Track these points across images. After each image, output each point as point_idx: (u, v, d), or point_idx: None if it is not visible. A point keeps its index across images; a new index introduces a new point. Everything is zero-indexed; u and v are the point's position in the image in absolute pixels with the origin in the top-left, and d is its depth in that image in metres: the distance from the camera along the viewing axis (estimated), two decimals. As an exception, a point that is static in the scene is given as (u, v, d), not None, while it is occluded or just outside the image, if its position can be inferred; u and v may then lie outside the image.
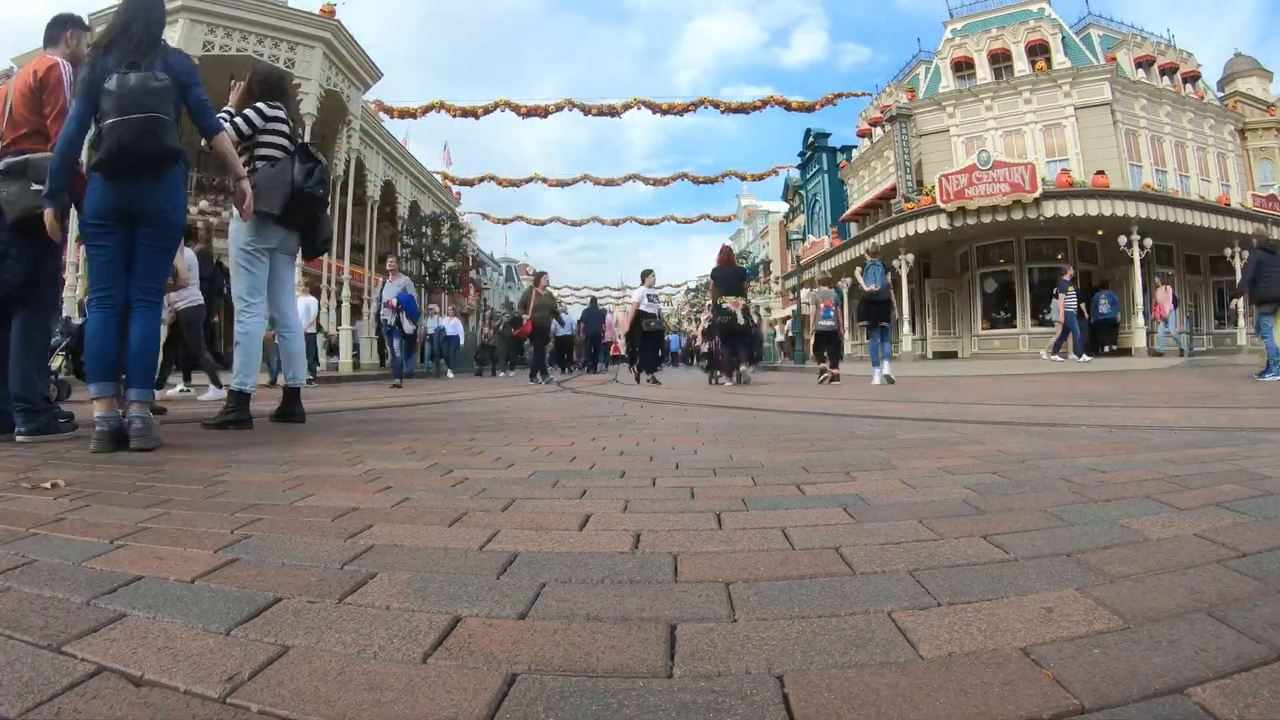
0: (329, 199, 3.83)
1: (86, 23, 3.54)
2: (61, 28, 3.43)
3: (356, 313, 20.12)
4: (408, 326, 9.98)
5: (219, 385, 6.59)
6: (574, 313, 22.14)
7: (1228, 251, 19.30)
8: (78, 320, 6.26)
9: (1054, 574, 1.04)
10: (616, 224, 37.41)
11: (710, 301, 10.31)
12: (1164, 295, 14.94)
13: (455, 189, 30.50)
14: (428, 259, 24.31)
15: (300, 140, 3.77)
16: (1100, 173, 18.15)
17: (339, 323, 17.95)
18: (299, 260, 3.87)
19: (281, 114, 3.76)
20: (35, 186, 3.01)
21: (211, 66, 15.37)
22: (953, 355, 20.77)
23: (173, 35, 14.87)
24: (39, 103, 3.17)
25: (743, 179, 34.62)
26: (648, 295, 10.86)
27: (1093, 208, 17.29)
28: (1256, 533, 1.23)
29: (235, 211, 3.61)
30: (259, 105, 3.70)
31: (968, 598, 0.95)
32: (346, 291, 18.99)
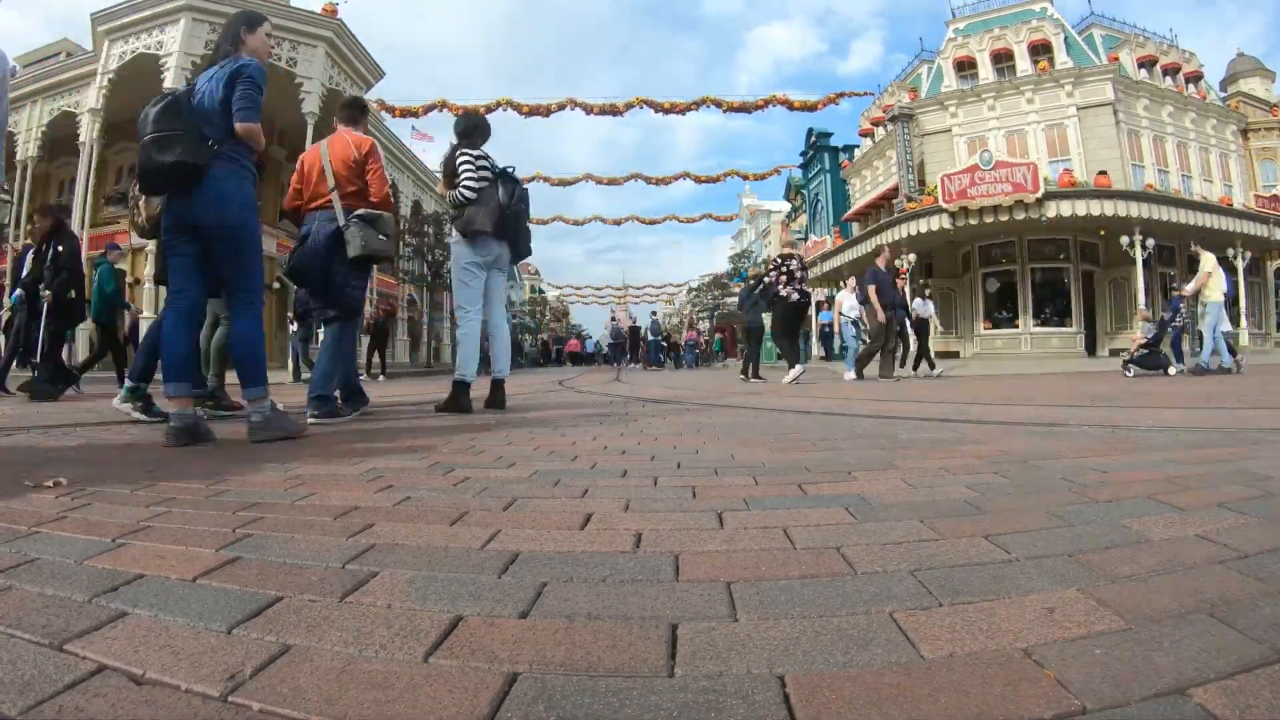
0: (529, 214, 4.72)
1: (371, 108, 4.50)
2: (363, 111, 4.49)
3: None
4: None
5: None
6: (579, 313, 22.37)
7: (1230, 252, 19.28)
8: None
9: (1056, 574, 1.04)
10: (619, 223, 37.40)
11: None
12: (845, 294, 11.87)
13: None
14: (429, 258, 24.33)
15: (499, 168, 4.50)
16: (1102, 173, 18.15)
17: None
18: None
19: (484, 151, 4.49)
20: (381, 236, 3.96)
21: (213, 65, 15.41)
22: (954, 355, 20.75)
23: (175, 34, 14.91)
24: (362, 170, 4.13)
25: (745, 179, 34.60)
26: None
27: (1095, 208, 17.29)
28: (1259, 533, 1.23)
29: (456, 234, 4.43)
30: (468, 152, 4.40)
31: (969, 598, 0.95)
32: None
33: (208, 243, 2.96)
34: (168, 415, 3.01)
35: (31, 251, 7.31)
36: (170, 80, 14.50)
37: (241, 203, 2.96)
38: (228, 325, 3.50)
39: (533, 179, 30.31)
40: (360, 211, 3.94)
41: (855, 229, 25.65)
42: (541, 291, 60.09)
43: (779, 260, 9.14)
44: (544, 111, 24.85)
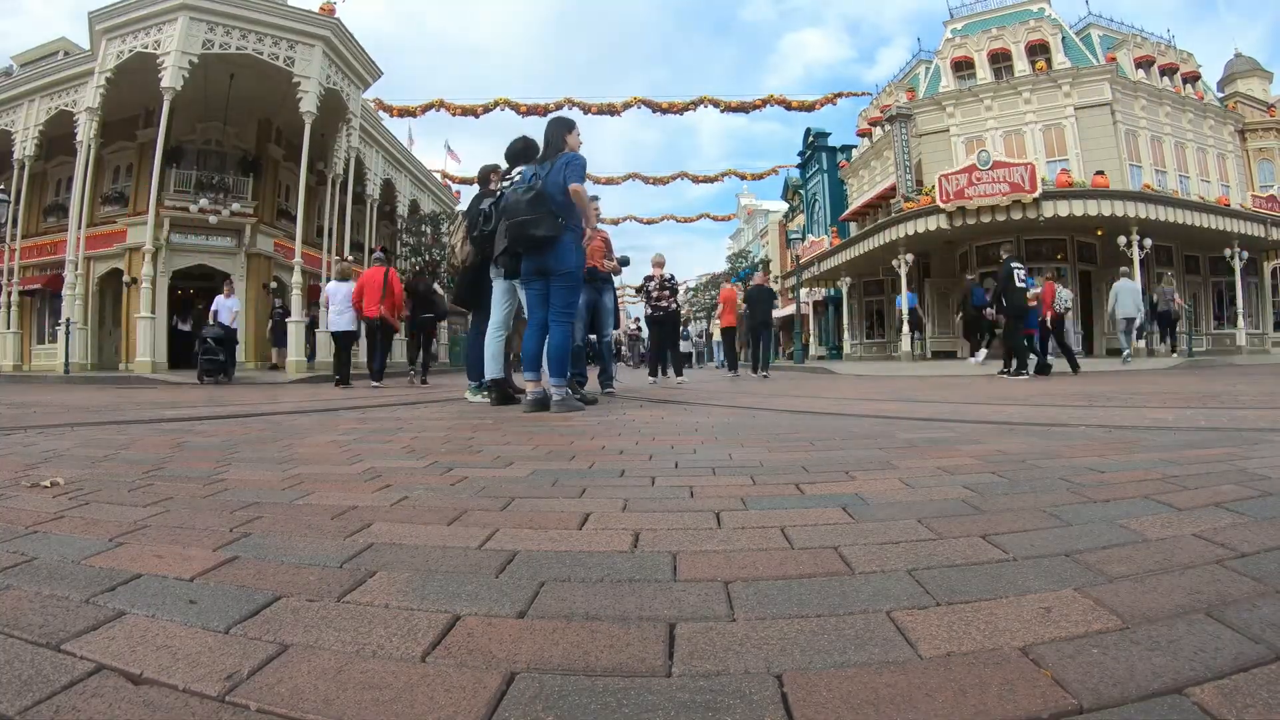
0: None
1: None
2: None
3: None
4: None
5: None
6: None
7: (1227, 252, 19.32)
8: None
9: (1053, 574, 1.04)
10: (616, 223, 37.21)
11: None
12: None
13: (455, 188, 30.50)
14: (426, 258, 24.31)
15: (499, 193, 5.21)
16: (1100, 173, 18.15)
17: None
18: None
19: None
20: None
21: (212, 65, 15.37)
22: (952, 355, 20.77)
23: (172, 33, 14.86)
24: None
25: (743, 178, 34.59)
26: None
27: (1092, 208, 17.29)
28: (1255, 533, 1.23)
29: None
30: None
31: (967, 597, 0.95)
32: (346, 290, 18.86)
33: (550, 280, 4.36)
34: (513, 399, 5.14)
35: None
36: (168, 80, 14.44)
37: (578, 259, 4.43)
38: (530, 334, 4.59)
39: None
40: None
41: (853, 229, 25.66)
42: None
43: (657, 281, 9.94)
44: (541, 111, 24.81)
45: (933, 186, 18.65)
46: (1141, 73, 21.97)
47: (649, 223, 40.65)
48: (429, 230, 24.30)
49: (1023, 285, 9.69)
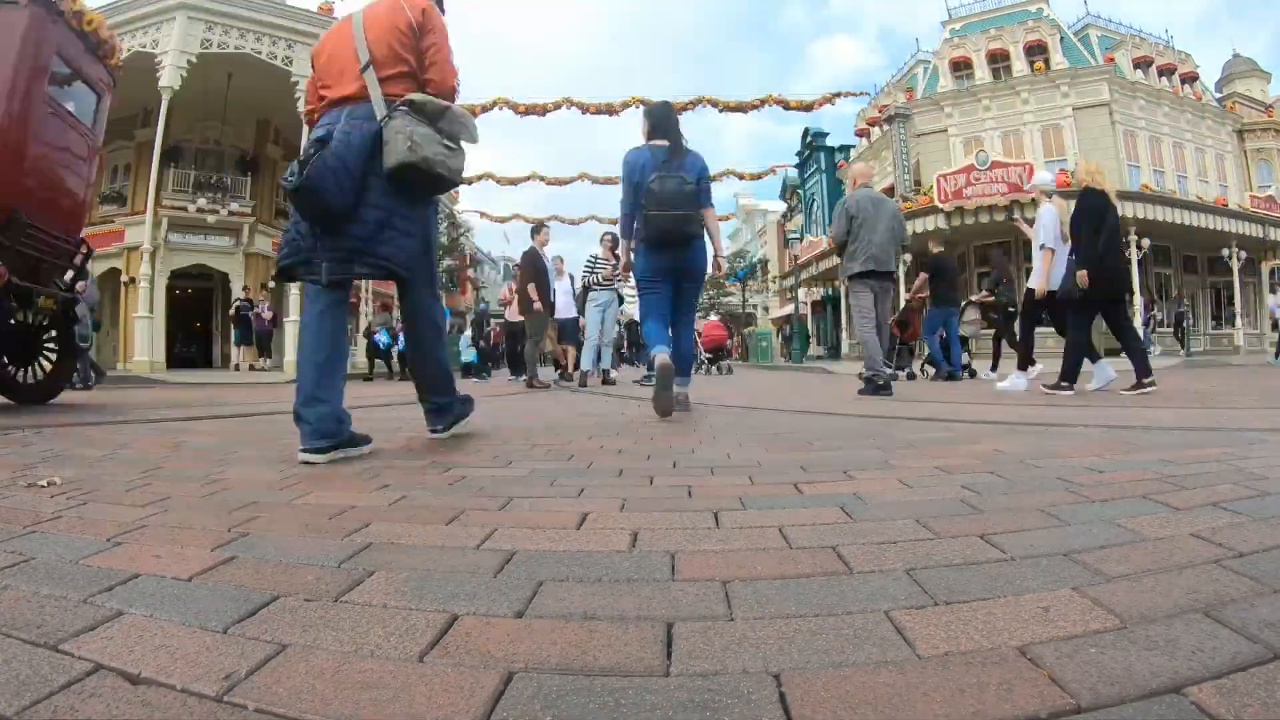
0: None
1: None
2: None
3: (353, 310, 20.09)
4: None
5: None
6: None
7: (1225, 252, 19.36)
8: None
9: (1051, 573, 1.04)
10: (614, 221, 36.85)
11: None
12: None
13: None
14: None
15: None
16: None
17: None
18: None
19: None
20: (447, 143, 2.46)
21: (210, 64, 15.35)
22: (950, 355, 20.78)
23: (170, 33, 14.85)
24: (416, 46, 2.56)
25: (740, 178, 34.52)
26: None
27: (1090, 208, 17.29)
28: (1253, 533, 1.23)
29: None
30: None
31: (965, 597, 0.95)
32: (344, 290, 18.85)
33: (681, 281, 4.29)
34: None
35: None
36: (166, 79, 14.43)
37: (706, 258, 4.39)
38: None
39: (529, 178, 30.15)
40: (412, 96, 2.45)
41: (852, 229, 25.64)
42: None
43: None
44: (539, 111, 24.78)
45: (931, 186, 18.69)
46: (1140, 73, 22.01)
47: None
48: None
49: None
